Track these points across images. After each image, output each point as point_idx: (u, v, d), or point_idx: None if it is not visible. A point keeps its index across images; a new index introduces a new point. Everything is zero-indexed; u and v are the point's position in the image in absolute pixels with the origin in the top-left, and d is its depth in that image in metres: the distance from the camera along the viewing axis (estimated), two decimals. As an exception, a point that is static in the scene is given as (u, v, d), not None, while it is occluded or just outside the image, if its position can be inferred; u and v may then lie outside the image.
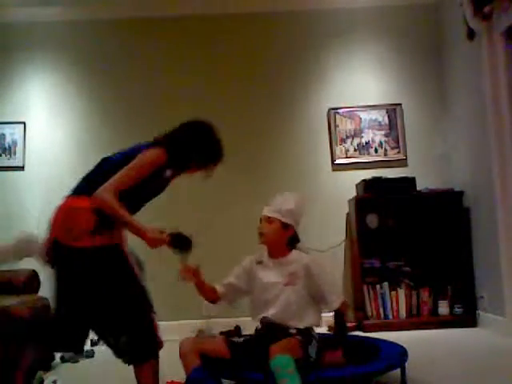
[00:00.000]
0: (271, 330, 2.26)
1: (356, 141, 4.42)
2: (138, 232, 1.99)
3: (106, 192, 1.98)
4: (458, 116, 4.22)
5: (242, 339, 2.32)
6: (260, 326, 2.35)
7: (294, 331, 2.22)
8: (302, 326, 2.25)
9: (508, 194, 3.46)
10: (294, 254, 2.35)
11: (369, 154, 4.41)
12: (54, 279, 2.09)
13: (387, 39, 4.53)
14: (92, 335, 4.08)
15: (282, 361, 1.96)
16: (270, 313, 2.28)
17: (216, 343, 2.27)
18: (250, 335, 2.39)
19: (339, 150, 4.40)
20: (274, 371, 1.95)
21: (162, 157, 2.11)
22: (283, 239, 2.35)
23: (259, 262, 2.38)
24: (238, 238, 4.04)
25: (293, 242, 2.38)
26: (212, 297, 2.38)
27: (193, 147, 2.25)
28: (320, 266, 2.34)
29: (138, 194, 2.11)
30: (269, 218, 2.34)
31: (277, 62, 4.50)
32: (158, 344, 2.01)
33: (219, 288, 2.38)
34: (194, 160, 2.27)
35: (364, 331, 3.78)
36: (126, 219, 2.00)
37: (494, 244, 3.55)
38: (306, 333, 2.24)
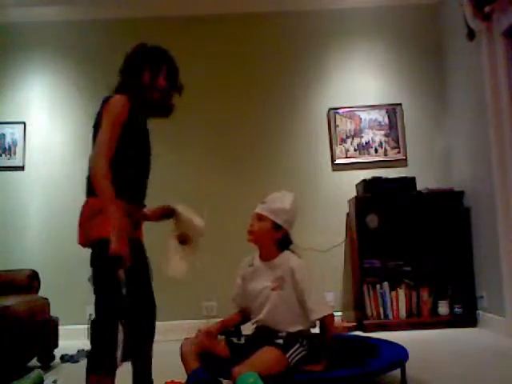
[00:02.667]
0: (261, 334, 2.26)
1: (356, 141, 4.42)
2: (110, 214, 1.77)
3: (99, 168, 1.82)
4: (458, 116, 4.22)
5: (242, 340, 2.32)
6: (254, 329, 2.35)
7: (283, 334, 2.20)
8: (292, 329, 2.22)
9: (508, 194, 3.45)
10: (283, 256, 2.27)
11: (369, 153, 4.41)
12: None
13: (387, 39, 4.53)
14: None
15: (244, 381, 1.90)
16: (261, 317, 2.27)
17: (217, 343, 2.27)
18: (248, 335, 2.39)
19: (339, 149, 4.40)
20: None
21: (123, 101, 1.92)
22: (272, 240, 2.27)
23: (251, 265, 2.35)
24: (236, 238, 4.04)
25: (283, 244, 2.29)
26: (240, 321, 2.42)
27: (144, 72, 2.04)
28: (305, 272, 2.23)
29: (130, 158, 1.94)
30: (260, 215, 2.26)
31: (277, 61, 4.50)
32: (104, 362, 1.78)
33: (236, 310, 2.42)
34: (154, 86, 2.03)
35: (364, 331, 3.79)
36: (106, 199, 1.79)
37: (494, 244, 3.55)
38: (294, 337, 2.19)
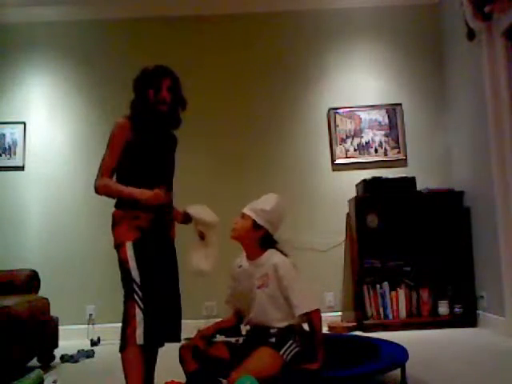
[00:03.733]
0: (255, 334, 2.26)
1: (356, 141, 4.42)
2: (134, 196, 2.13)
3: (97, 181, 2.20)
4: (458, 116, 4.22)
5: (241, 341, 2.32)
6: (249, 329, 2.36)
7: (274, 331, 2.21)
8: (282, 325, 2.23)
9: (508, 194, 3.46)
10: (267, 254, 2.32)
11: (369, 153, 4.41)
12: None
13: (387, 39, 4.53)
14: (92, 335, 4.09)
15: None
16: (250, 316, 2.30)
17: (215, 345, 2.27)
18: (244, 336, 2.39)
19: (339, 149, 4.41)
20: None
21: (124, 124, 2.23)
22: (254, 239, 2.32)
23: (239, 266, 2.39)
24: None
25: (266, 243, 2.34)
26: (236, 322, 2.44)
27: (142, 92, 2.28)
28: (288, 268, 2.27)
29: (139, 168, 2.22)
30: (243, 214, 2.34)
31: (277, 61, 4.50)
32: (126, 340, 2.06)
33: (231, 312, 2.45)
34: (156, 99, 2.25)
35: (364, 331, 3.79)
36: (118, 190, 2.18)
37: (494, 244, 3.55)
38: (287, 333, 2.20)
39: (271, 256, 2.30)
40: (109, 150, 2.23)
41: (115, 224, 2.21)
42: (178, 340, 2.22)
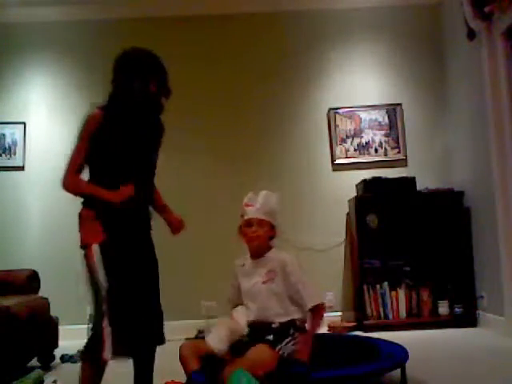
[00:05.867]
0: (253, 330, 2.26)
1: (356, 141, 4.42)
2: (102, 196, 2.04)
3: (65, 177, 2.12)
4: (458, 116, 4.22)
5: (242, 340, 2.32)
6: (248, 327, 2.36)
7: (276, 325, 2.22)
8: (284, 319, 2.24)
9: (508, 194, 3.46)
10: (273, 251, 2.35)
11: (369, 154, 4.41)
12: None
13: (387, 39, 4.53)
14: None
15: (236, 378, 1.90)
16: (252, 312, 2.30)
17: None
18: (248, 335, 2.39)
19: (339, 149, 4.40)
20: None
21: (94, 115, 2.18)
22: (267, 239, 2.35)
23: (242, 265, 2.40)
24: (237, 238, 4.04)
25: (272, 239, 2.38)
26: None
27: (128, 77, 2.21)
28: (295, 264, 2.30)
29: (111, 162, 2.11)
30: (260, 220, 2.31)
31: (277, 61, 4.50)
32: (94, 352, 1.94)
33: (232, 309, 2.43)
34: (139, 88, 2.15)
35: (364, 331, 3.79)
36: (88, 191, 2.10)
37: (494, 244, 3.55)
38: (286, 328, 2.21)
39: (278, 253, 2.33)
40: (76, 145, 2.18)
41: (82, 223, 2.12)
42: (162, 342, 2.15)
